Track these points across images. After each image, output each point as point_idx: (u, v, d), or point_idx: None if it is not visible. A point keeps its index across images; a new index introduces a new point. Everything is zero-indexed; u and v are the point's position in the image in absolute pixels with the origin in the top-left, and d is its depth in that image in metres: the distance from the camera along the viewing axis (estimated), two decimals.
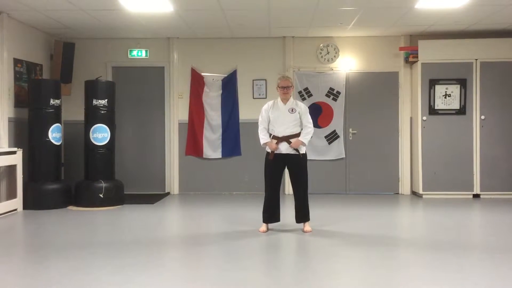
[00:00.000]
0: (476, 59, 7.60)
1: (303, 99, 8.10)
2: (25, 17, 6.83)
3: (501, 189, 7.60)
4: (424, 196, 7.70)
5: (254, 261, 4.16)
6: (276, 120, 5.13)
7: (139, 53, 8.23)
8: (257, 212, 6.11)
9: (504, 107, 7.60)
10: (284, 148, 5.09)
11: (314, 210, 6.21)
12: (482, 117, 7.61)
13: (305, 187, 5.19)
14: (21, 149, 6.64)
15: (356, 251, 4.50)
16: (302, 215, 5.21)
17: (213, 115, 8.20)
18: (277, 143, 5.09)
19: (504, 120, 7.61)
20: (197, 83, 8.21)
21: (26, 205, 6.62)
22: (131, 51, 8.23)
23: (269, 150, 5.16)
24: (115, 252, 4.39)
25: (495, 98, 7.60)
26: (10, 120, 6.80)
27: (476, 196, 7.65)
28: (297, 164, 5.13)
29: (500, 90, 7.60)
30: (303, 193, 5.18)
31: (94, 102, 6.98)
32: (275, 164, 5.13)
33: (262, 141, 5.18)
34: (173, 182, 8.28)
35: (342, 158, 8.15)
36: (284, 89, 5.13)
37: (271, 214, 5.20)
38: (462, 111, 7.63)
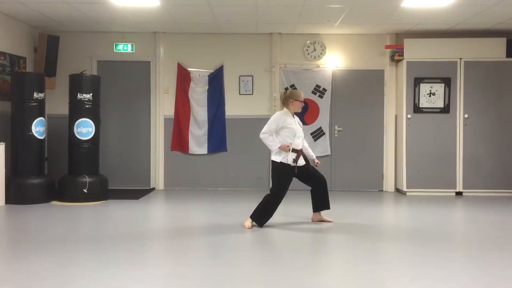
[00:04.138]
0: (461, 58, 7.69)
1: None
2: (9, 9, 6.72)
3: (483, 187, 7.71)
4: (407, 194, 7.78)
5: (238, 256, 4.17)
6: (296, 132, 5.22)
7: (124, 48, 8.16)
8: (242, 208, 6.12)
9: (487, 106, 7.71)
10: (302, 161, 5.25)
11: (300, 207, 6.24)
12: (466, 115, 7.71)
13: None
14: (4, 143, 6.55)
15: (340, 247, 4.53)
16: (327, 202, 5.47)
17: (199, 111, 8.18)
18: (298, 156, 5.19)
19: (487, 119, 7.71)
20: (183, 79, 8.17)
21: (9, 200, 6.54)
22: (116, 45, 8.16)
23: (285, 161, 5.15)
24: (99, 247, 4.36)
25: (479, 97, 7.70)
26: None
27: (459, 193, 7.75)
28: (309, 166, 5.37)
29: (484, 89, 7.70)
30: (325, 181, 5.45)
31: (79, 96, 6.91)
32: (293, 176, 5.23)
33: (275, 147, 5.18)
34: (158, 177, 8.24)
35: (327, 155, 8.18)
36: (302, 103, 5.33)
37: (269, 218, 5.26)
38: (446, 109, 7.72)
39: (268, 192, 5.35)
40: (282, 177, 5.22)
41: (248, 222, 5.21)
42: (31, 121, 6.72)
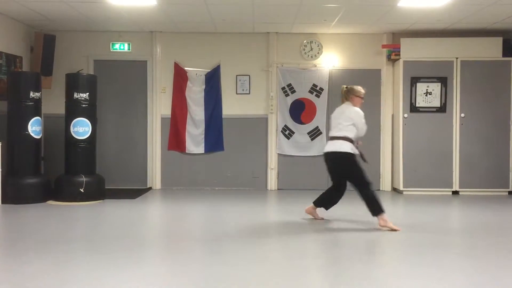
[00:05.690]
0: (457, 58, 7.71)
1: (286, 95, 8.13)
2: (5, 8, 6.70)
3: (479, 186, 7.73)
4: (404, 193, 7.79)
5: (236, 256, 4.17)
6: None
7: (121, 47, 8.15)
8: (239, 207, 6.12)
9: (483, 105, 7.73)
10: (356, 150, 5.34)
11: (296, 206, 6.25)
12: (462, 115, 7.73)
13: None
14: (0, 142, 6.54)
15: (337, 247, 4.54)
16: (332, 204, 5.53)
17: (196, 110, 8.17)
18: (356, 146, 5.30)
19: (483, 118, 7.73)
20: (180, 78, 8.17)
21: (5, 200, 6.52)
22: (113, 44, 8.15)
23: (353, 151, 5.20)
24: (96, 247, 4.35)
25: (475, 97, 7.72)
26: None
27: (455, 192, 7.77)
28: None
29: (480, 88, 7.72)
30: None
31: (75, 95, 6.89)
32: None
33: None
34: (155, 177, 8.23)
35: None
36: (362, 100, 5.51)
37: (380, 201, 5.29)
38: (442, 109, 7.74)
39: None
40: (358, 165, 5.23)
41: (383, 221, 5.11)
42: (28, 120, 6.70)
